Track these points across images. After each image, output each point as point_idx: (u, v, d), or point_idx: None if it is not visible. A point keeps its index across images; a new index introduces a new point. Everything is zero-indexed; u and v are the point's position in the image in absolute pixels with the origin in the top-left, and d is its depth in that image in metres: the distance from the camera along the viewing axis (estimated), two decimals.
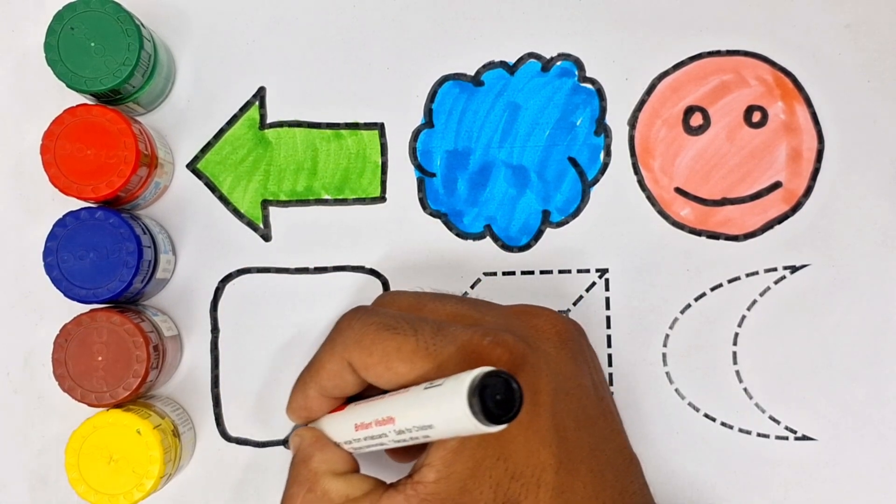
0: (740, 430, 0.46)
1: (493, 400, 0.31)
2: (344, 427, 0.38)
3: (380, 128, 0.47)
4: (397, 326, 0.36)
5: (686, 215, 0.47)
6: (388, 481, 0.37)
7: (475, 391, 0.31)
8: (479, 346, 0.35)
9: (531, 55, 0.47)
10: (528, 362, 0.35)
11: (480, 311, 0.38)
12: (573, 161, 0.47)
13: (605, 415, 0.38)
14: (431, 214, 0.47)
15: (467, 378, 0.31)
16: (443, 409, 0.32)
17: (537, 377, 0.36)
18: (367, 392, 0.39)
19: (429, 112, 0.47)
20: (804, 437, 0.46)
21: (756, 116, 0.47)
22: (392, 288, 0.46)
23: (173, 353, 0.45)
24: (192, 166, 0.46)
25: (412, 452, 0.41)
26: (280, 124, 0.46)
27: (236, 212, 0.46)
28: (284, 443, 0.45)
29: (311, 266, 0.46)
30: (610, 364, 0.46)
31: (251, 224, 0.46)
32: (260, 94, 0.46)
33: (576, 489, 0.35)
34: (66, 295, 0.41)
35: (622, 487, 0.37)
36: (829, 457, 0.46)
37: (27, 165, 0.45)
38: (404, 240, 0.46)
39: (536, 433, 0.35)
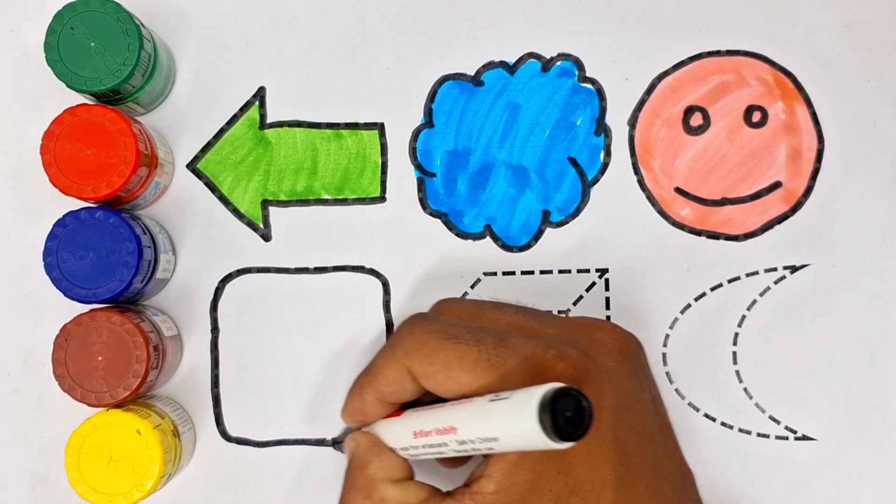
0: (740, 430, 0.46)
1: (564, 417, 0.30)
2: (401, 433, 0.38)
3: (380, 128, 0.47)
4: (459, 335, 0.36)
5: (686, 215, 0.47)
6: (441, 488, 0.37)
7: (546, 407, 0.30)
8: (543, 359, 0.35)
9: (531, 55, 0.47)
10: (591, 377, 0.35)
11: (541, 322, 0.38)
12: (573, 161, 0.47)
13: (662, 430, 0.38)
14: (431, 214, 0.47)
15: (538, 393, 0.31)
16: (511, 423, 0.32)
17: (600, 392, 0.35)
18: (423, 398, 0.39)
19: (429, 112, 0.47)
20: (804, 437, 0.46)
21: (756, 116, 0.47)
22: (392, 288, 0.46)
23: (173, 353, 0.45)
24: (192, 166, 0.46)
25: (461, 459, 0.41)
26: (280, 124, 0.46)
27: (236, 212, 0.46)
28: (335, 444, 0.45)
29: (311, 266, 0.46)
30: None
31: (251, 224, 0.46)
32: (260, 94, 0.46)
33: None
34: (66, 295, 0.41)
35: (679, 503, 0.37)
36: (829, 457, 0.46)
37: (27, 165, 0.45)
38: (404, 240, 0.46)
39: (598, 448, 0.35)
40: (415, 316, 0.39)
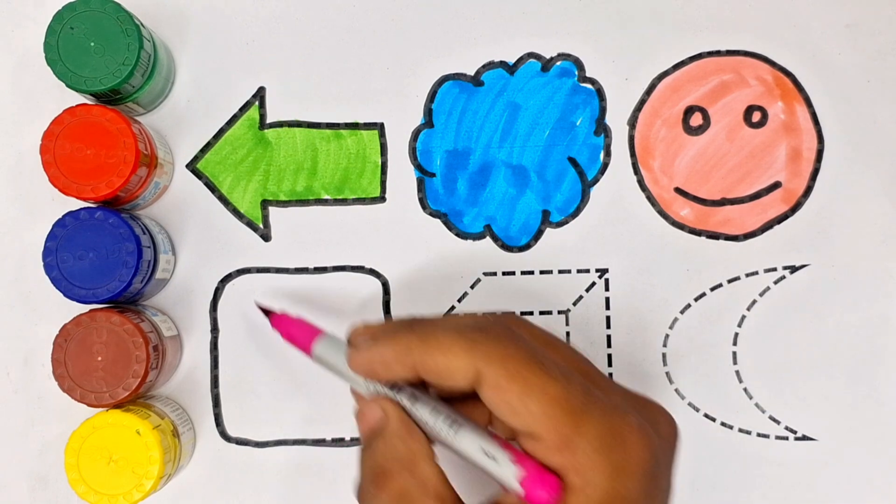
0: (740, 430, 0.46)
1: None
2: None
3: (379, 128, 0.47)
4: (548, 366, 0.34)
5: (686, 215, 0.47)
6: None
7: None
8: (622, 425, 0.33)
9: (531, 55, 0.47)
10: (658, 465, 0.34)
11: (608, 386, 0.36)
12: (573, 161, 0.47)
13: None
14: (431, 214, 0.47)
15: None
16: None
17: (657, 481, 0.34)
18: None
19: (429, 112, 0.47)
20: (804, 437, 0.46)
21: (756, 116, 0.47)
22: (392, 288, 0.46)
23: (173, 354, 0.44)
24: (191, 166, 0.46)
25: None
26: (280, 124, 0.46)
27: (236, 212, 0.46)
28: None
29: (311, 266, 0.46)
30: (610, 364, 0.46)
31: (251, 224, 0.46)
32: (260, 94, 0.46)
33: None
34: (65, 295, 0.41)
35: None
36: (829, 457, 0.46)
37: (27, 165, 0.45)
38: (404, 240, 0.46)
39: None
40: (499, 322, 0.36)
